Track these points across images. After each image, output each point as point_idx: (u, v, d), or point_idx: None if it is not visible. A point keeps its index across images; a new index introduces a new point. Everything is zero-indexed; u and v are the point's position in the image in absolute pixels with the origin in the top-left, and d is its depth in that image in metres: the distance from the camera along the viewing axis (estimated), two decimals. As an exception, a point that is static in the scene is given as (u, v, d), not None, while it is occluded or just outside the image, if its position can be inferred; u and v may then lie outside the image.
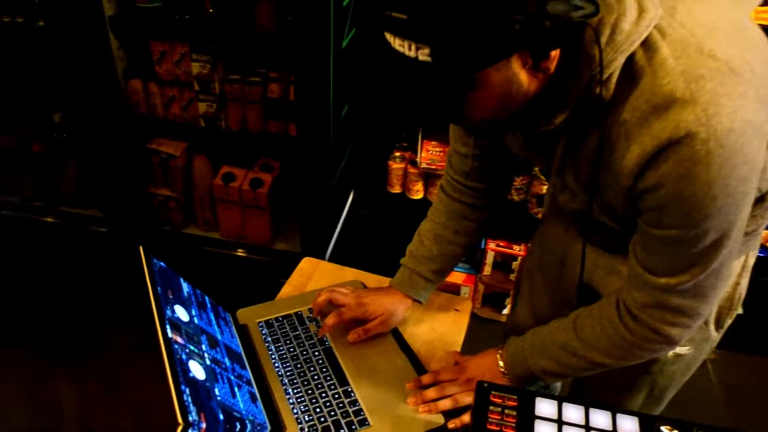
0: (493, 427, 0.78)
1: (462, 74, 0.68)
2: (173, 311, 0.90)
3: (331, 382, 1.04)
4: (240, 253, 2.21)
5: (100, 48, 1.88)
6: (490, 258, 2.18)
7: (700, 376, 1.40)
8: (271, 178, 2.11)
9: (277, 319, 1.17)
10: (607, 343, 0.89)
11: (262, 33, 1.82)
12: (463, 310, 1.24)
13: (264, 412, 0.96)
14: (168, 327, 0.85)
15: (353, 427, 0.97)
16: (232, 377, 0.94)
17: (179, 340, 0.85)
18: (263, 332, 1.14)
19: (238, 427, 0.85)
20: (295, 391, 1.03)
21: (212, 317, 1.04)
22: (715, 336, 1.04)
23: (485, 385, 0.84)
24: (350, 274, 1.32)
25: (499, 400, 0.82)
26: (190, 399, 0.76)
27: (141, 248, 0.93)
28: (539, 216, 1.97)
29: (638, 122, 0.71)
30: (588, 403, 0.81)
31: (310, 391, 1.03)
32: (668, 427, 0.77)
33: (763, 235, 0.98)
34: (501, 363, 1.01)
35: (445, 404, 1.00)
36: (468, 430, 0.96)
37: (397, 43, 0.68)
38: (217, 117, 2.02)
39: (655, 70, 0.69)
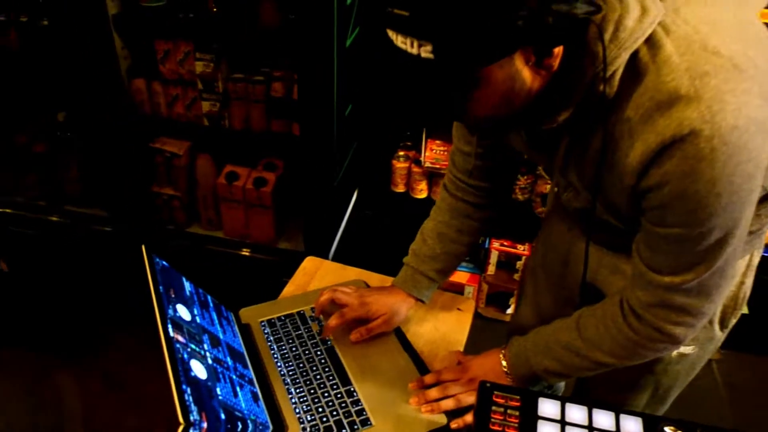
0: (496, 428, 0.78)
1: (464, 71, 0.68)
2: (175, 310, 0.90)
3: (334, 381, 1.04)
4: (243, 252, 2.22)
5: (103, 47, 1.89)
6: (494, 257, 2.18)
7: (704, 376, 1.40)
8: (275, 178, 2.11)
9: (279, 318, 1.17)
10: (610, 343, 0.89)
11: (266, 31, 1.82)
12: (467, 309, 1.24)
13: (266, 411, 0.96)
14: (170, 326, 0.85)
15: (355, 426, 0.97)
16: (234, 376, 0.94)
17: (181, 339, 0.85)
18: (266, 331, 1.14)
19: (240, 426, 0.85)
20: (298, 390, 1.03)
21: (214, 316, 1.04)
22: (720, 336, 1.03)
23: (488, 385, 0.84)
24: (353, 273, 1.32)
25: (501, 400, 0.81)
26: (191, 398, 0.76)
27: (143, 247, 0.93)
28: (543, 215, 1.96)
29: (642, 120, 0.70)
30: (591, 403, 0.81)
31: (312, 391, 1.02)
32: (672, 427, 0.76)
33: (768, 234, 0.97)
34: (504, 363, 1.01)
35: (448, 404, 0.99)
36: (471, 431, 0.95)
37: (399, 40, 0.67)
38: (220, 116, 2.03)
39: (659, 67, 0.68)
